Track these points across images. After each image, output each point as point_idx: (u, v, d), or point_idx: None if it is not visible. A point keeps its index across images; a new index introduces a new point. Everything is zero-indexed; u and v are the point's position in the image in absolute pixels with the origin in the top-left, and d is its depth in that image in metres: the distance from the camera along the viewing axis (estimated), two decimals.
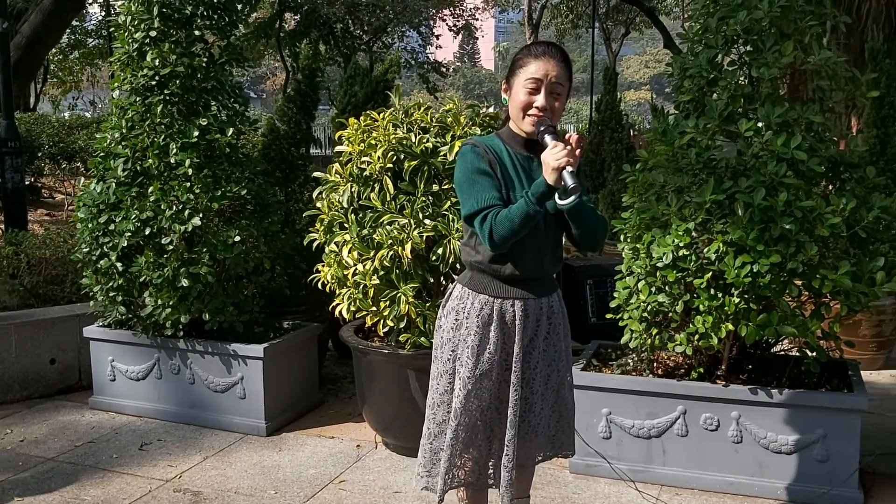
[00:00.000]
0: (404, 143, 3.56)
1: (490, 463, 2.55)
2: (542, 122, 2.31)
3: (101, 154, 4.19)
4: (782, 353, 3.64)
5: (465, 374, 2.41)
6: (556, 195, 2.24)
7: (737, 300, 3.05)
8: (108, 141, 4.18)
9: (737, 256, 2.95)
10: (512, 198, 2.35)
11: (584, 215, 2.37)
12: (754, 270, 2.91)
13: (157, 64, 4.04)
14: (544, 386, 2.52)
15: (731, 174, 3.08)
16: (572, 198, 2.21)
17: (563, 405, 2.60)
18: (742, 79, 3.25)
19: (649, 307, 3.26)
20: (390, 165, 3.54)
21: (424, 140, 3.58)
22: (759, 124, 3.10)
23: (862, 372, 3.52)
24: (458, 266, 3.54)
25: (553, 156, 2.18)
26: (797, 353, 3.43)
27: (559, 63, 2.35)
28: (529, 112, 2.34)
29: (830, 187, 3.32)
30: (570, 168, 2.16)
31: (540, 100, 2.33)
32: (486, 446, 2.51)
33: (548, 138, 2.25)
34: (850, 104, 3.43)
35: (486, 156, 2.36)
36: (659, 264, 3.17)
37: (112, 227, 4.05)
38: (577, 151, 2.22)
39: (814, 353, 3.22)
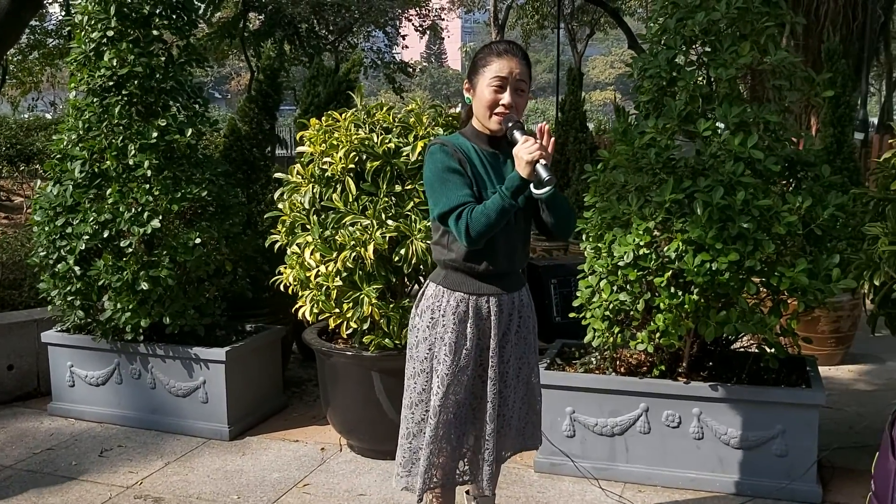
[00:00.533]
0: (366, 143, 3.54)
1: (465, 460, 2.59)
2: (508, 119, 2.36)
3: (58, 156, 4.11)
4: (742, 349, 3.68)
5: (444, 371, 2.44)
6: (532, 187, 2.29)
7: (696, 298, 3.08)
8: (64, 142, 4.10)
9: (696, 255, 2.98)
10: (483, 195, 2.38)
11: (559, 204, 2.43)
12: (713, 268, 2.94)
13: (114, 64, 3.98)
14: (516, 379, 2.58)
15: (690, 174, 3.11)
16: (548, 188, 2.26)
17: (533, 397, 2.67)
18: (700, 79, 3.29)
19: (611, 306, 3.28)
20: (352, 166, 3.53)
21: (387, 140, 3.57)
22: (718, 124, 3.14)
23: (821, 367, 3.59)
24: (421, 267, 3.53)
25: (525, 149, 2.23)
26: (756, 350, 3.47)
27: (521, 61, 2.40)
28: (497, 111, 2.38)
29: (787, 186, 3.36)
30: (542, 161, 2.22)
31: (506, 97, 2.37)
32: (460, 443, 2.55)
33: (517, 133, 2.30)
34: (809, 104, 3.48)
35: (456, 154, 2.39)
36: (620, 263, 3.20)
37: (69, 230, 3.98)
38: (552, 142, 2.28)
39: (772, 350, 3.27)
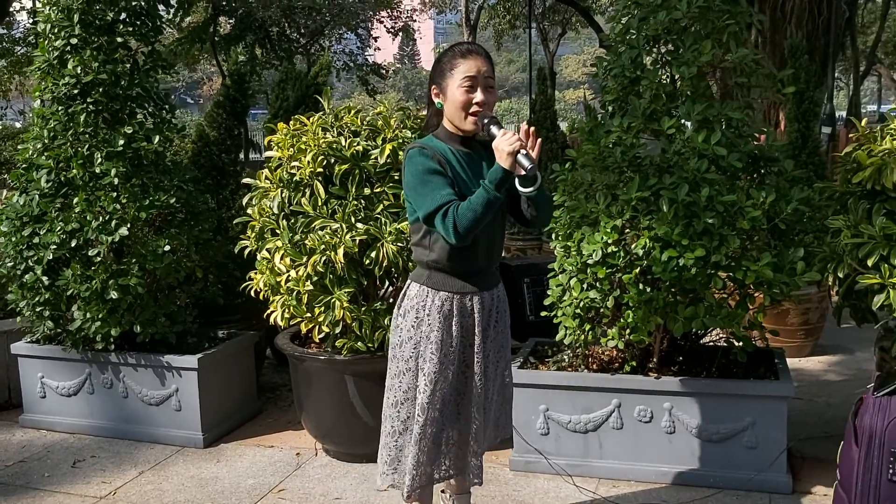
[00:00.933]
0: (334, 146, 3.54)
1: (449, 456, 2.63)
2: (483, 116, 2.42)
3: (24, 165, 4.07)
4: (711, 343, 3.73)
5: (431, 369, 2.48)
6: (520, 186, 2.36)
7: (665, 294, 3.12)
8: (30, 152, 4.06)
9: (663, 251, 3.01)
10: (465, 194, 2.41)
11: (542, 197, 2.50)
12: (680, 264, 2.97)
13: (78, 72, 3.95)
14: (494, 372, 2.65)
15: (656, 171, 3.15)
16: (535, 186, 2.35)
17: (507, 388, 2.75)
18: (664, 77, 3.32)
19: (581, 303, 3.31)
20: (321, 170, 3.52)
21: (355, 143, 3.57)
22: (683, 122, 3.17)
23: (791, 359, 3.64)
24: (392, 269, 3.54)
25: (506, 141, 2.28)
26: (725, 344, 3.51)
27: (485, 58, 2.46)
28: (471, 111, 2.42)
29: (751, 181, 3.40)
30: (523, 150, 2.28)
31: (479, 96, 2.42)
32: (446, 440, 2.60)
33: (493, 128, 2.36)
34: (775, 100, 3.53)
35: (435, 157, 2.43)
36: (589, 261, 3.23)
37: (36, 240, 3.93)
38: (538, 143, 2.34)
39: (740, 344, 3.32)
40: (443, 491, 2.95)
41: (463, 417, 2.60)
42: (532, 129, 2.34)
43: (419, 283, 2.53)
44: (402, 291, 2.60)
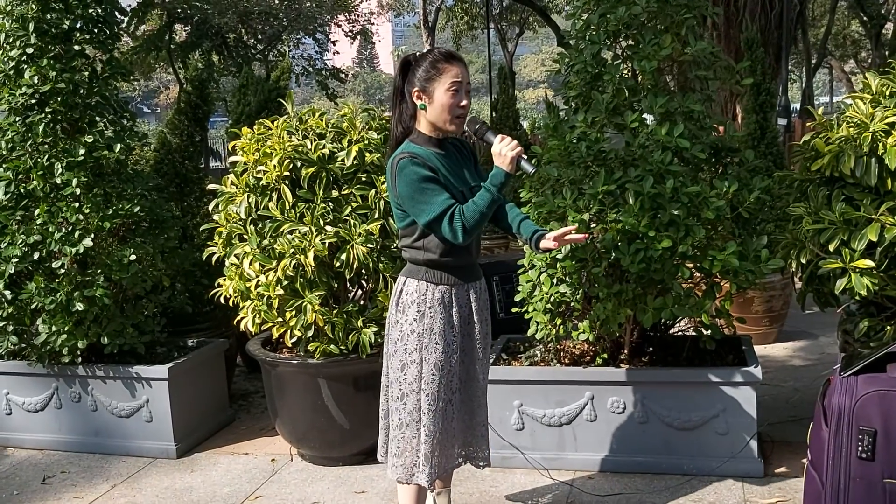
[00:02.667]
0: (300, 150, 3.53)
1: (459, 443, 2.78)
2: (474, 121, 2.62)
3: None
4: (680, 333, 3.78)
5: (437, 358, 2.61)
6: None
7: (633, 286, 3.16)
8: None
9: (630, 243, 3.05)
10: (452, 193, 2.55)
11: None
12: (648, 256, 3.02)
13: (36, 81, 3.88)
14: (481, 359, 2.79)
15: (621, 165, 3.19)
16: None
17: (487, 373, 2.88)
18: (625, 72, 3.36)
19: (552, 298, 3.34)
20: (287, 173, 3.51)
21: (321, 146, 3.56)
22: (645, 116, 3.22)
23: (757, 346, 3.70)
24: (363, 271, 3.53)
25: (508, 146, 2.46)
26: (694, 333, 3.56)
27: (464, 64, 2.60)
28: (457, 114, 2.56)
29: (714, 172, 3.46)
30: (524, 155, 2.47)
31: (464, 100, 2.56)
32: (458, 429, 2.74)
33: (489, 135, 2.56)
34: (732, 92, 3.60)
35: (426, 164, 2.54)
36: (558, 256, 3.26)
37: None
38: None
39: (708, 332, 3.37)
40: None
41: (466, 405, 2.76)
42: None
43: (417, 279, 2.64)
44: (396, 289, 2.70)
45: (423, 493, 2.77)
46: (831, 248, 3.03)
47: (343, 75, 26.61)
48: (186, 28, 21.10)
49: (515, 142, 2.47)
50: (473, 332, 2.72)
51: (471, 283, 2.70)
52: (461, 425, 2.76)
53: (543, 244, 2.62)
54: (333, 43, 25.86)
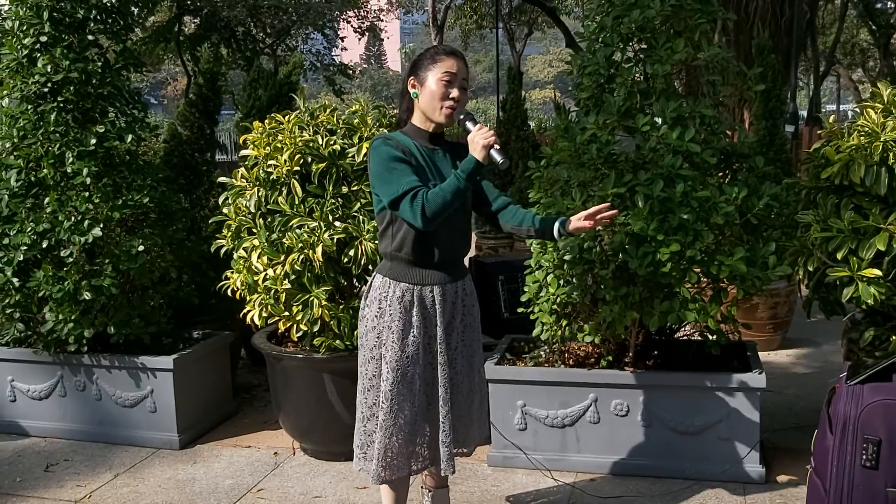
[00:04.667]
0: (311, 145, 3.54)
1: (424, 446, 2.69)
2: (460, 112, 2.55)
3: None
4: (685, 337, 3.78)
5: (393, 357, 2.57)
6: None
7: (640, 289, 3.16)
8: None
9: (638, 247, 3.06)
10: (426, 185, 2.49)
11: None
12: (655, 259, 3.02)
13: (48, 70, 3.89)
14: (468, 367, 2.72)
15: (631, 168, 3.19)
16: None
17: (482, 385, 2.84)
18: (638, 75, 3.37)
19: (558, 299, 3.35)
20: (297, 168, 3.52)
21: (331, 142, 3.57)
22: (656, 119, 3.22)
23: (760, 353, 3.70)
24: (370, 267, 3.54)
25: (481, 135, 2.42)
26: (699, 338, 3.57)
27: (464, 63, 2.60)
28: (446, 104, 2.53)
29: (724, 177, 3.47)
30: (497, 145, 2.42)
31: (455, 91, 2.54)
32: (420, 431, 2.66)
33: (469, 123, 2.51)
34: (741, 98, 3.60)
35: (399, 147, 2.52)
36: (566, 257, 3.27)
37: (6, 241, 3.87)
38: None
39: (714, 337, 3.37)
40: (422, 486, 2.98)
41: (433, 408, 2.67)
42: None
43: (382, 275, 2.62)
44: (368, 283, 2.69)
45: (401, 491, 2.74)
46: (839, 256, 3.03)
47: (350, 72, 26.61)
48: (196, 20, 21.11)
49: (491, 132, 2.44)
50: (436, 338, 2.60)
51: (443, 284, 2.60)
52: (430, 430, 2.67)
53: (575, 225, 2.54)
54: (342, 39, 25.85)
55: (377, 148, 2.52)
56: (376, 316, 2.60)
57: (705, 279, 3.28)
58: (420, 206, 2.40)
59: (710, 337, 3.40)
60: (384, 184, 2.48)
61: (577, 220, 2.54)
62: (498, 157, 2.42)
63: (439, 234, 2.55)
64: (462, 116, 2.54)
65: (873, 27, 19.37)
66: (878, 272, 2.94)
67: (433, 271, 2.59)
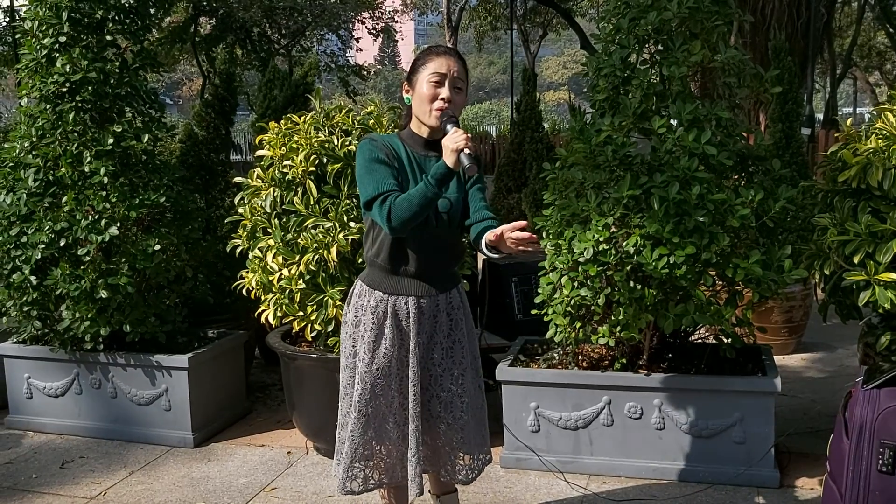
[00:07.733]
0: (326, 146, 3.55)
1: (398, 461, 2.61)
2: (445, 114, 2.43)
3: (10, 164, 4.04)
4: (700, 340, 3.77)
5: (362, 368, 2.50)
6: (484, 247, 2.34)
7: (655, 291, 3.15)
8: (17, 150, 4.03)
9: (654, 249, 3.05)
10: (407, 190, 2.40)
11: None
12: (671, 262, 3.01)
13: (67, 70, 3.92)
14: (446, 386, 2.58)
15: (647, 170, 3.18)
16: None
17: (477, 403, 2.67)
18: (654, 77, 3.36)
19: (572, 301, 3.34)
20: (313, 169, 3.53)
21: (347, 143, 3.59)
22: (672, 121, 3.22)
23: (775, 356, 3.68)
24: None
25: (452, 140, 2.30)
26: (714, 341, 3.56)
27: (458, 61, 2.49)
28: (436, 105, 2.44)
29: (740, 180, 3.45)
30: (467, 150, 2.29)
31: (444, 92, 2.44)
32: (402, 444, 2.57)
33: (449, 127, 2.39)
34: (757, 100, 3.58)
35: (384, 149, 2.46)
36: (580, 259, 3.25)
37: (24, 239, 3.91)
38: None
39: (729, 340, 3.36)
40: (429, 491, 2.94)
41: (413, 424, 2.53)
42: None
43: (361, 281, 2.56)
44: (351, 288, 2.62)
45: (401, 499, 2.70)
46: (856, 259, 3.02)
47: (365, 73, 26.68)
48: (211, 21, 21.23)
49: (464, 136, 2.30)
50: (411, 351, 2.49)
51: (418, 296, 2.49)
52: (410, 443, 2.53)
53: (487, 236, 2.30)
54: (356, 40, 25.93)
55: (361, 148, 2.46)
56: (353, 324, 2.54)
57: (720, 282, 3.27)
58: (387, 211, 2.31)
59: (725, 340, 3.39)
60: (361, 185, 2.41)
61: (493, 234, 2.27)
62: (467, 162, 2.29)
63: (418, 241, 2.45)
64: (444, 119, 2.41)
65: (891, 30, 19.22)
66: (895, 276, 2.92)
67: (410, 280, 2.48)
